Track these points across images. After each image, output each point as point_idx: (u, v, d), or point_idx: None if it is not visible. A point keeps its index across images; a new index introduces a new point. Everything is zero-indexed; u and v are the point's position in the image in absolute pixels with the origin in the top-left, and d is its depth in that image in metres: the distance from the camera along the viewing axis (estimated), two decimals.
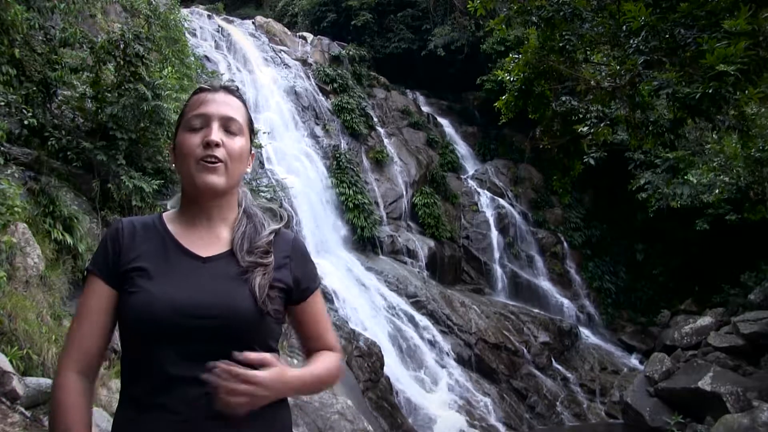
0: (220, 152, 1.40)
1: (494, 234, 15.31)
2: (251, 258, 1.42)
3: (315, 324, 1.53)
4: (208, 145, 1.40)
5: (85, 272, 1.46)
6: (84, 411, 1.34)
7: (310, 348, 1.54)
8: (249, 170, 1.53)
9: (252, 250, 1.43)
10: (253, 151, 1.56)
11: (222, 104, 1.46)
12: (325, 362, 1.49)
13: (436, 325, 11.68)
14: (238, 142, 1.45)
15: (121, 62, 7.03)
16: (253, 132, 1.56)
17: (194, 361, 1.29)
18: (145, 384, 1.32)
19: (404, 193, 15.01)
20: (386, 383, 9.53)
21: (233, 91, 1.52)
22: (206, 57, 13.76)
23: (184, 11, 12.73)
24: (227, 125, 1.44)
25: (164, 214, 1.51)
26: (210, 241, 1.44)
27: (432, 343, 11.26)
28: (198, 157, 1.40)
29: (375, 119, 16.50)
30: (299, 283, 1.49)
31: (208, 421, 1.28)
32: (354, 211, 13.28)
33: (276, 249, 1.47)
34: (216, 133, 1.41)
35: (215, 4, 20.57)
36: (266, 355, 1.30)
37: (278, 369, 1.30)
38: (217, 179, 1.40)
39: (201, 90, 1.50)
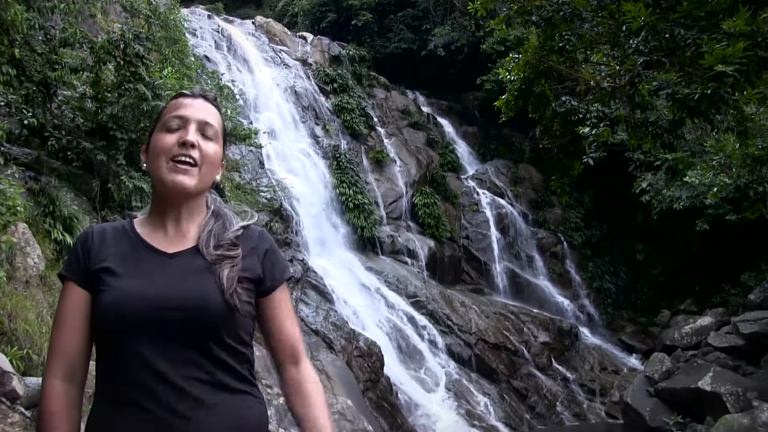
0: (194, 153, 1.44)
1: (494, 234, 15.31)
2: (218, 251, 1.44)
3: (279, 318, 1.53)
4: (184, 144, 1.43)
5: (59, 278, 1.48)
6: (67, 416, 1.35)
7: (274, 345, 1.53)
8: (218, 178, 1.55)
9: (219, 244, 1.45)
10: (223, 162, 1.58)
11: (200, 110, 1.50)
12: (323, 402, 1.49)
13: (436, 325, 11.68)
14: (213, 147, 1.49)
15: (121, 62, 7.02)
16: (226, 142, 1.59)
17: (166, 356, 1.31)
18: (117, 381, 1.33)
19: (404, 193, 15.02)
20: (386, 383, 9.53)
21: (211, 99, 1.56)
22: (206, 57, 13.77)
23: (184, 11, 12.73)
24: (204, 129, 1.48)
25: (135, 220, 1.54)
26: (176, 239, 1.47)
27: (432, 343, 11.26)
28: (171, 155, 1.43)
29: (375, 119, 16.50)
30: (266, 273, 1.50)
31: (176, 418, 1.29)
32: (354, 211, 13.28)
33: (243, 242, 1.50)
34: (193, 135, 1.45)
35: (215, 4, 20.58)
36: None
37: None
38: (188, 180, 1.43)
39: (181, 95, 1.54)
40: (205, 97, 1.54)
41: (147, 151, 1.51)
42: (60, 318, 1.41)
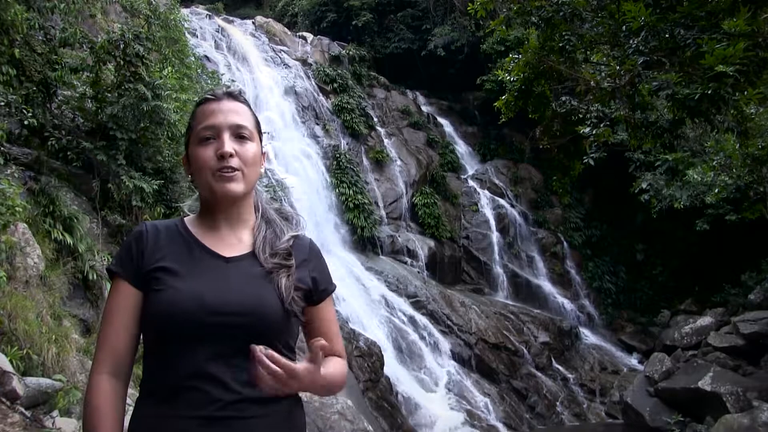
0: (234, 162, 1.43)
1: (494, 234, 15.31)
2: (275, 260, 1.45)
3: (327, 327, 1.55)
4: (222, 156, 1.42)
5: (108, 273, 1.49)
6: (112, 411, 1.36)
7: None
8: (263, 170, 1.56)
9: (274, 252, 1.47)
10: (264, 151, 1.58)
11: (229, 113, 1.48)
12: (337, 367, 1.50)
13: (436, 325, 11.68)
14: (251, 148, 1.48)
15: (121, 62, 7.03)
16: (261, 133, 1.58)
17: (220, 359, 1.32)
18: (168, 381, 1.34)
19: (404, 193, 15.01)
20: (386, 383, 9.53)
21: (237, 96, 1.54)
22: (206, 57, 13.76)
23: (184, 11, 12.75)
24: (238, 132, 1.47)
25: (186, 219, 1.54)
26: (231, 243, 1.48)
27: (432, 343, 11.26)
28: (214, 169, 1.43)
29: (375, 119, 16.50)
30: (318, 284, 1.53)
31: (230, 420, 1.31)
32: (354, 211, 13.28)
33: (295, 252, 1.51)
34: (228, 144, 1.44)
35: (215, 4, 20.59)
36: (318, 350, 1.32)
37: (314, 367, 1.31)
38: (236, 186, 1.44)
39: (206, 100, 1.52)
40: (231, 95, 1.53)
41: (188, 163, 1.51)
42: (109, 314, 1.42)
